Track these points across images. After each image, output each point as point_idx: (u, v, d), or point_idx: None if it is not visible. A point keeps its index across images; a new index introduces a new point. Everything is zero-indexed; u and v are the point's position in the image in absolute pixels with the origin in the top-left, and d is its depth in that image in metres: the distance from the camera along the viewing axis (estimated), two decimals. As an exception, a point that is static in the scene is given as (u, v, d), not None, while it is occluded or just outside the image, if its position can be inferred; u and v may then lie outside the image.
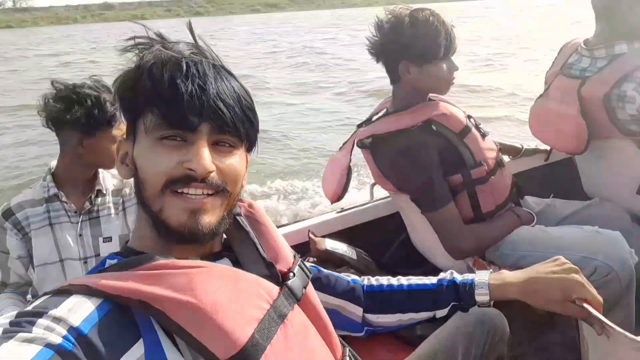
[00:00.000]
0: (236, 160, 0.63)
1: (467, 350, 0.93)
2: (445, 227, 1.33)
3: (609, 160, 1.48)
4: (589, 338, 0.87)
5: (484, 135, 1.41)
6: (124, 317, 0.53)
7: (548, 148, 1.77)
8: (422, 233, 1.49)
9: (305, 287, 0.70)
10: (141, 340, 0.53)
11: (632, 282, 1.20)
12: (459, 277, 0.87)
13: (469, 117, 1.41)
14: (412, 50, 1.30)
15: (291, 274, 0.69)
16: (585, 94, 1.39)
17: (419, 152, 1.31)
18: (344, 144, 1.59)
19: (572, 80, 1.45)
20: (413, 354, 0.95)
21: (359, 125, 1.53)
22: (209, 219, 0.60)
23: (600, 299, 0.78)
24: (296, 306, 0.67)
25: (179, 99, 0.58)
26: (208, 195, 0.60)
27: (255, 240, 0.70)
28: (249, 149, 0.68)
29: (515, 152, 1.83)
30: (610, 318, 0.77)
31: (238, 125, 0.62)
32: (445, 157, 1.32)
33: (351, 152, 1.53)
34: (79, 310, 0.52)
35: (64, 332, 0.49)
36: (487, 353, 0.95)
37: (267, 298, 0.62)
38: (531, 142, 1.84)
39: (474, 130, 1.38)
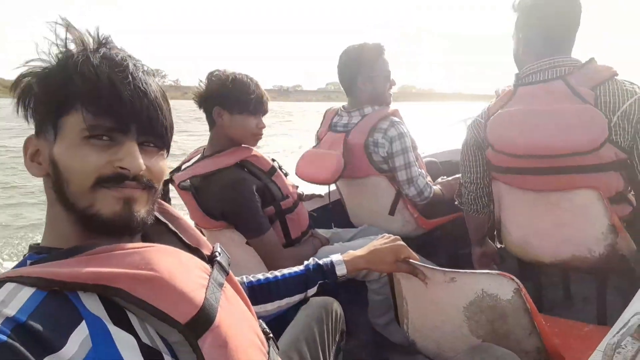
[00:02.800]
0: (162, 160, 0.69)
1: (320, 329, 1.11)
2: (268, 250, 1.50)
3: (369, 194, 1.95)
4: (407, 292, 1.16)
5: (286, 175, 1.69)
6: (61, 302, 0.53)
7: (323, 194, 2.17)
8: (243, 265, 1.60)
9: (229, 265, 0.77)
10: (84, 322, 0.52)
11: None
12: (319, 261, 1.06)
13: (273, 159, 1.68)
14: (226, 100, 1.50)
15: (217, 253, 0.75)
16: (350, 141, 1.84)
17: (241, 185, 1.48)
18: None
19: (338, 133, 1.90)
20: (282, 339, 1.06)
21: (172, 173, 1.60)
22: (140, 209, 0.64)
23: (417, 256, 1.09)
24: (227, 278, 0.73)
25: (118, 99, 0.61)
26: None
27: (175, 230, 0.74)
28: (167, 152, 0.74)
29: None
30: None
31: (165, 131, 0.67)
32: (259, 191, 1.52)
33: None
34: (13, 300, 0.51)
35: None
36: (334, 330, 1.15)
37: (205, 270, 0.68)
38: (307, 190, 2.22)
39: (278, 170, 1.64)
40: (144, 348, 0.56)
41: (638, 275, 1.38)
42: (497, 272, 0.95)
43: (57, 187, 0.61)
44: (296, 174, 1.96)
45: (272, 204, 1.56)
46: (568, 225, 1.40)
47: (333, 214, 2.15)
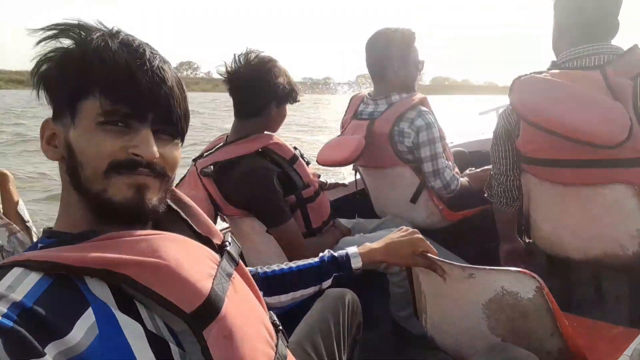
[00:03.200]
0: (176, 149, 0.68)
1: (335, 321, 1.10)
2: (289, 239, 1.50)
3: (393, 184, 1.91)
4: (426, 286, 1.14)
5: (308, 163, 1.67)
6: (68, 288, 0.53)
7: (347, 183, 2.15)
8: (263, 253, 1.61)
9: (239, 255, 0.76)
10: (90, 309, 0.52)
11: None
12: (335, 253, 1.05)
13: (295, 148, 1.66)
14: (280, 92, 1.51)
15: (227, 243, 0.74)
16: (375, 130, 1.80)
17: (262, 173, 1.47)
18: (181, 179, 1.64)
19: (362, 121, 1.86)
20: (297, 330, 1.06)
21: (195, 160, 1.61)
22: (152, 196, 0.64)
23: (435, 250, 1.06)
24: (236, 269, 0.72)
25: (136, 86, 0.61)
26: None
27: (187, 219, 0.74)
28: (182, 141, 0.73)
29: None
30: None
31: (180, 120, 0.67)
32: (280, 180, 1.51)
33: None
34: (20, 285, 0.51)
35: (4, 310, 0.47)
36: (350, 322, 1.14)
37: (214, 259, 0.68)
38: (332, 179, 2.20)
39: (300, 158, 1.63)
40: (150, 336, 0.56)
41: None
42: (517, 269, 0.92)
43: (72, 171, 0.62)
44: (317, 161, 1.94)
45: (293, 193, 1.55)
46: (600, 221, 1.34)
47: (357, 204, 2.13)
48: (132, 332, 0.54)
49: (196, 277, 0.60)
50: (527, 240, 1.67)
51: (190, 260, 0.62)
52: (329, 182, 2.17)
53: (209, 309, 0.59)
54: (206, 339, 0.58)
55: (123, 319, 0.54)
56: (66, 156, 0.62)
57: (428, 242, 1.05)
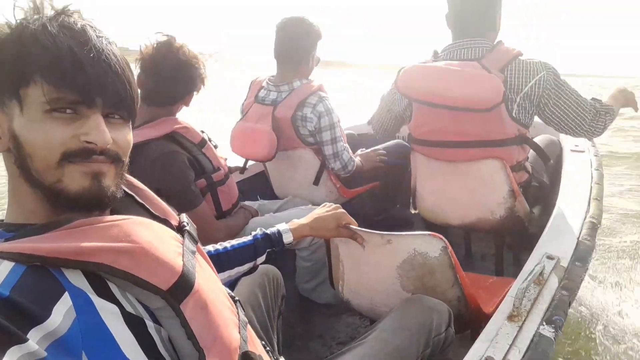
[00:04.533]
0: (128, 133, 0.67)
1: (263, 295, 1.17)
2: (201, 223, 1.49)
3: (295, 166, 2.01)
4: (344, 255, 1.26)
5: (215, 147, 1.68)
6: (43, 274, 0.53)
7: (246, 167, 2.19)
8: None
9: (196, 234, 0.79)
10: (66, 294, 0.53)
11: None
12: (267, 231, 1.11)
13: (202, 131, 1.66)
14: (198, 84, 1.55)
15: (184, 223, 0.76)
16: (277, 115, 1.87)
17: (172, 158, 1.45)
18: None
19: (266, 106, 1.91)
20: None
21: None
22: (109, 183, 0.63)
23: (356, 222, 1.18)
24: (197, 247, 0.75)
25: (82, 71, 0.58)
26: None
27: (143, 202, 0.74)
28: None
29: None
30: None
31: (131, 103, 0.65)
32: (191, 164, 1.51)
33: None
34: None
35: None
36: (275, 295, 1.22)
37: (177, 239, 0.70)
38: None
39: (208, 142, 1.63)
40: (126, 316, 0.57)
41: (531, 233, 1.62)
42: (428, 232, 1.08)
43: (20, 162, 0.59)
44: (233, 150, 1.97)
45: (203, 177, 1.55)
46: (476, 191, 1.60)
47: (256, 187, 2.18)
48: (109, 314, 0.55)
49: (168, 256, 0.62)
50: (413, 212, 1.90)
51: (159, 240, 0.64)
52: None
53: (184, 284, 0.62)
54: (184, 312, 0.61)
55: (99, 303, 0.55)
56: (12, 147, 0.59)
57: (349, 215, 1.17)
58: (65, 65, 0.57)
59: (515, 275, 1.16)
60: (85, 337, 0.52)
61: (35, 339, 0.47)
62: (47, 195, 0.59)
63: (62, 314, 0.51)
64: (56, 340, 0.49)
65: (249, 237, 1.09)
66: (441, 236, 1.07)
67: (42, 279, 0.52)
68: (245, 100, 2.05)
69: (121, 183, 0.67)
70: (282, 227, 1.13)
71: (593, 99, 1.57)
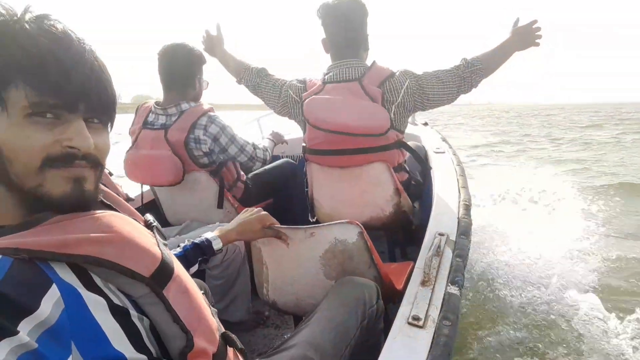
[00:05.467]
0: (107, 137, 0.67)
1: None
2: None
3: (191, 190, 2.00)
4: (268, 257, 1.32)
5: (110, 174, 1.63)
6: (30, 268, 0.54)
7: (133, 197, 2.10)
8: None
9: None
10: (54, 285, 0.53)
11: (245, 252, 1.74)
12: (195, 240, 1.13)
13: None
14: None
15: (151, 221, 0.78)
16: (170, 139, 1.87)
17: None
18: None
19: (156, 131, 1.90)
20: None
21: None
22: (90, 186, 0.63)
23: (275, 221, 1.26)
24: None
25: (64, 76, 0.58)
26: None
27: (110, 204, 0.74)
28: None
29: None
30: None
31: (111, 107, 0.66)
32: None
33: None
34: None
35: None
36: None
37: (150, 233, 0.72)
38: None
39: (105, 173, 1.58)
40: (112, 307, 0.59)
41: (416, 224, 1.86)
42: (346, 220, 1.21)
43: None
44: (131, 179, 1.92)
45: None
46: (367, 192, 1.79)
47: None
48: (97, 306, 0.57)
49: (147, 245, 0.65)
50: (311, 220, 2.04)
51: (136, 231, 0.66)
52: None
53: (165, 270, 0.65)
54: (167, 297, 0.64)
55: (87, 295, 0.56)
56: None
57: (271, 216, 1.25)
58: (47, 69, 0.57)
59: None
60: (74, 327, 0.53)
61: (25, 331, 0.48)
62: (25, 199, 0.59)
63: (51, 304, 0.51)
64: (46, 330, 0.50)
65: (179, 249, 1.10)
66: (357, 222, 1.21)
67: (30, 271, 0.53)
68: (131, 126, 2.00)
69: (99, 185, 0.67)
70: (209, 235, 1.16)
71: (463, 59, 1.76)
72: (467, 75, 1.75)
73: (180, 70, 1.90)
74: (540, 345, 2.03)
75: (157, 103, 1.98)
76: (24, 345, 0.47)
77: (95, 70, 0.62)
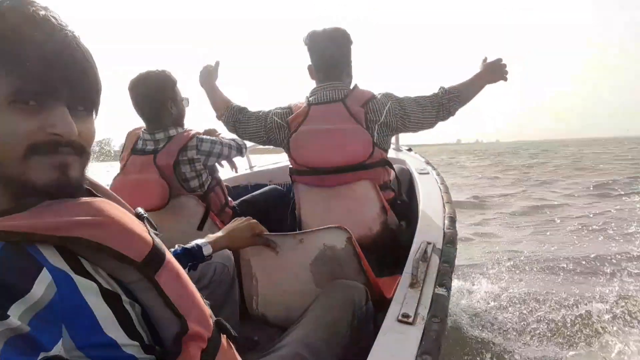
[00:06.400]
0: (92, 124, 0.66)
1: None
2: None
3: (179, 214, 2.00)
4: (257, 268, 1.32)
5: None
6: (20, 252, 0.53)
7: None
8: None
9: None
10: (45, 269, 0.53)
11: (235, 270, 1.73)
12: (186, 246, 1.14)
13: None
14: None
15: (142, 212, 0.79)
16: (159, 163, 1.89)
17: None
18: None
19: (146, 156, 1.92)
20: None
21: None
22: (75, 174, 0.62)
23: (265, 229, 1.27)
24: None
25: (47, 63, 0.58)
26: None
27: (97, 194, 0.75)
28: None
29: None
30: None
31: (95, 94, 0.65)
32: None
33: None
34: None
35: None
36: None
37: (140, 222, 0.73)
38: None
39: None
40: (104, 292, 0.59)
41: (403, 242, 1.88)
42: (334, 225, 1.23)
43: None
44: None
45: None
46: (354, 211, 1.82)
47: None
48: (88, 290, 0.57)
49: (138, 231, 0.66)
50: None
51: (127, 217, 0.67)
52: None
53: (156, 255, 0.66)
54: (159, 282, 0.65)
55: (78, 280, 0.56)
56: None
57: (260, 225, 1.26)
58: (29, 56, 0.56)
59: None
60: (65, 311, 0.53)
61: (17, 315, 0.47)
62: (10, 186, 0.59)
63: (43, 287, 0.51)
64: (38, 313, 0.50)
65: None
66: (345, 227, 1.23)
67: (20, 255, 0.52)
68: (122, 152, 2.02)
69: (85, 173, 0.67)
70: (200, 241, 1.17)
71: (441, 88, 1.88)
72: (445, 102, 1.85)
73: (151, 101, 1.92)
74: None
75: (145, 129, 2.01)
76: (14, 329, 0.46)
77: (78, 56, 0.61)
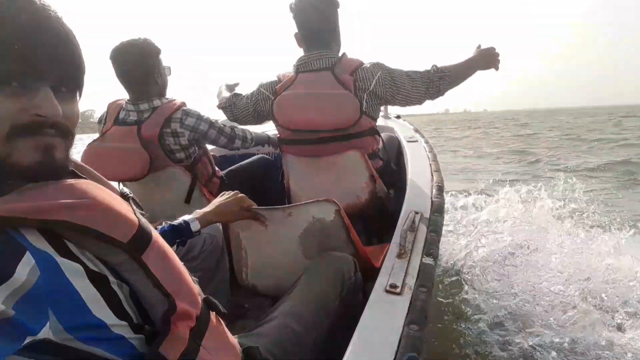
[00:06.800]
0: (76, 105, 0.65)
1: None
2: None
3: (166, 186, 1.99)
4: (247, 241, 1.33)
5: None
6: (2, 235, 0.53)
7: None
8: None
9: None
10: (28, 253, 0.53)
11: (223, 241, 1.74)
12: (173, 222, 1.13)
13: None
14: None
15: (127, 192, 0.77)
16: (143, 134, 1.85)
17: None
18: None
19: (129, 127, 1.88)
20: None
21: None
22: (60, 155, 0.61)
23: (253, 203, 1.27)
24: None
25: (29, 43, 0.57)
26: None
27: (81, 175, 0.74)
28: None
29: None
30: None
31: (79, 74, 0.64)
32: None
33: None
34: None
35: None
36: None
37: (126, 202, 0.72)
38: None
39: None
40: (91, 274, 0.58)
41: (391, 210, 1.90)
42: (323, 198, 1.23)
43: None
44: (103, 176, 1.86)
45: None
46: (343, 180, 1.82)
47: None
48: (74, 272, 0.56)
49: (124, 212, 0.65)
50: None
51: (112, 199, 0.66)
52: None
53: (143, 236, 0.65)
54: (146, 262, 0.64)
55: (63, 262, 0.56)
56: None
57: (249, 199, 1.26)
58: (12, 37, 0.55)
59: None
60: (51, 294, 0.52)
61: (0, 299, 0.47)
62: None
63: (26, 270, 0.51)
64: (22, 297, 0.49)
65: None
66: (334, 200, 1.23)
67: (2, 239, 0.52)
68: (103, 124, 1.98)
69: (69, 154, 0.66)
70: (187, 217, 1.16)
71: (433, 66, 1.86)
72: (436, 80, 1.83)
73: (137, 70, 1.86)
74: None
75: (128, 100, 1.96)
76: None
77: (62, 37, 0.61)
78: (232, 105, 2.08)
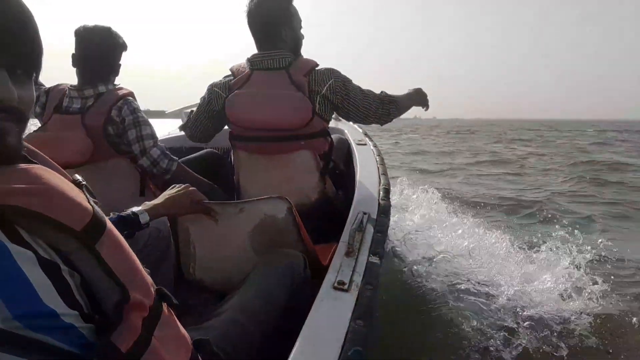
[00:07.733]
0: (31, 88, 0.63)
1: None
2: None
3: (111, 177, 1.92)
4: (195, 235, 1.32)
5: None
6: None
7: None
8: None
9: None
10: None
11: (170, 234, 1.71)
12: (121, 214, 1.11)
13: None
14: None
15: (80, 180, 0.75)
16: (88, 123, 1.79)
17: None
18: None
19: (72, 116, 1.80)
20: None
21: None
22: (13, 140, 0.60)
23: (204, 197, 1.26)
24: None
25: None
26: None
27: (33, 160, 0.71)
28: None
29: None
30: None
31: (35, 57, 0.62)
32: None
33: None
34: None
35: None
36: None
37: (79, 190, 0.71)
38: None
39: None
40: (42, 261, 0.57)
41: (339, 210, 1.94)
42: (276, 195, 1.25)
43: None
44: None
45: None
46: (293, 179, 1.84)
47: None
48: (25, 260, 0.55)
49: (77, 199, 0.64)
50: None
51: (66, 185, 0.65)
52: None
53: (97, 224, 0.64)
54: (99, 251, 0.63)
55: (14, 249, 0.54)
56: None
57: (200, 192, 1.25)
58: None
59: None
60: (2, 281, 0.51)
61: None
62: None
63: None
64: None
65: None
66: (286, 197, 1.25)
67: None
68: (44, 110, 1.88)
69: (22, 138, 0.63)
70: (135, 209, 1.14)
71: (382, 92, 1.96)
72: (387, 102, 1.93)
73: (105, 53, 1.83)
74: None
75: (72, 86, 1.88)
76: None
77: (18, 18, 0.59)
78: (187, 122, 2.06)
